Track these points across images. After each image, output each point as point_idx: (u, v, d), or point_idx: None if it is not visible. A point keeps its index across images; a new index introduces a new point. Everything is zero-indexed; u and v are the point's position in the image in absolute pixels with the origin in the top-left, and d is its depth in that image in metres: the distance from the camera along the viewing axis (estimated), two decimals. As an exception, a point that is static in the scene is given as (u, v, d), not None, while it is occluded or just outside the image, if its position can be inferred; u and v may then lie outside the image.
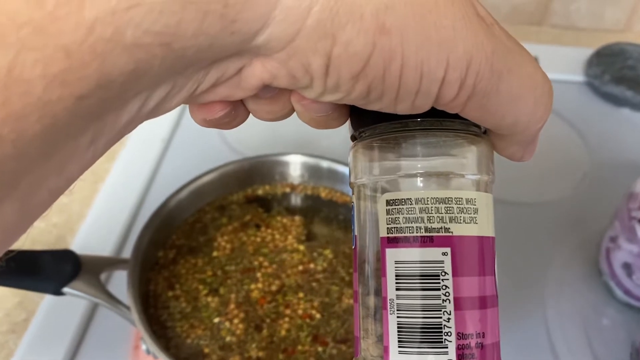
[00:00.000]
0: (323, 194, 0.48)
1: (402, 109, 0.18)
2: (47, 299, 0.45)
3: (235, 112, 0.20)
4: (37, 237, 0.52)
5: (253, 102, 0.20)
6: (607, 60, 0.71)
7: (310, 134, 0.62)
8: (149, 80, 0.15)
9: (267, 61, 0.16)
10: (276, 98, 0.19)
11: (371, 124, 0.20)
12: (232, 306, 0.39)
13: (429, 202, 0.19)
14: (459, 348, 0.18)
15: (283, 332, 0.37)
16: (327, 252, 0.43)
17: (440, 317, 0.18)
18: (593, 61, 0.72)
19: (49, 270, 0.37)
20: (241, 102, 0.20)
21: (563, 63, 0.74)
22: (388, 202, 0.19)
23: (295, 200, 0.48)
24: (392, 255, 0.19)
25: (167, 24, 0.13)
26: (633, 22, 0.84)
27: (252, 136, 0.63)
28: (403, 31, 0.15)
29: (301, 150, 0.49)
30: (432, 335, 0.18)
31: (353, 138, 0.21)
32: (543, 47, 0.76)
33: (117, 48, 0.13)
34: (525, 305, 0.47)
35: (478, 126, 0.20)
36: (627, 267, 0.45)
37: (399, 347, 0.19)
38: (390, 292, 0.19)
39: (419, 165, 0.19)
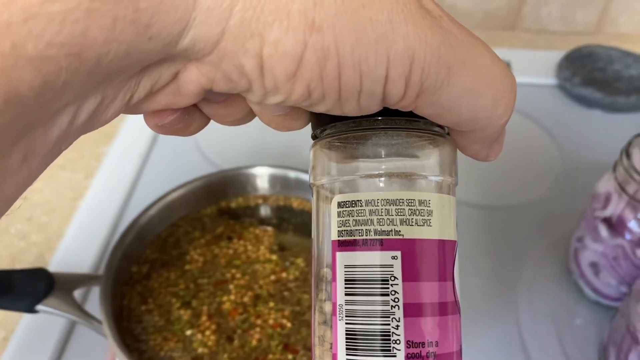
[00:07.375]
0: (295, 204, 0.48)
1: (349, 110, 0.17)
2: (26, 317, 0.46)
3: (189, 117, 0.19)
4: (17, 256, 0.53)
5: (207, 106, 0.19)
6: (577, 63, 0.72)
7: (290, 144, 0.63)
8: (71, 92, 0.14)
9: (200, 65, 0.16)
10: (229, 101, 0.19)
11: (329, 123, 0.19)
12: (204, 318, 0.39)
13: (378, 204, 0.18)
14: (409, 357, 0.18)
15: (254, 342, 0.38)
16: (299, 261, 0.44)
17: (389, 324, 0.18)
18: (563, 64, 0.73)
19: (22, 289, 0.37)
20: (196, 108, 0.20)
21: (536, 67, 0.75)
22: (339, 204, 0.19)
23: (268, 211, 0.48)
24: (342, 259, 0.18)
25: (71, 34, 0.13)
26: (604, 24, 0.85)
27: (231, 149, 0.63)
28: (336, 28, 0.15)
29: (282, 161, 0.49)
30: (379, 342, 0.18)
31: (314, 137, 0.21)
32: (516, 52, 0.77)
33: (20, 62, 0.12)
34: (498, 306, 0.48)
35: (442, 126, 0.19)
36: (594, 266, 0.46)
37: (347, 354, 0.18)
38: (340, 297, 0.18)
39: (373, 166, 0.19)
